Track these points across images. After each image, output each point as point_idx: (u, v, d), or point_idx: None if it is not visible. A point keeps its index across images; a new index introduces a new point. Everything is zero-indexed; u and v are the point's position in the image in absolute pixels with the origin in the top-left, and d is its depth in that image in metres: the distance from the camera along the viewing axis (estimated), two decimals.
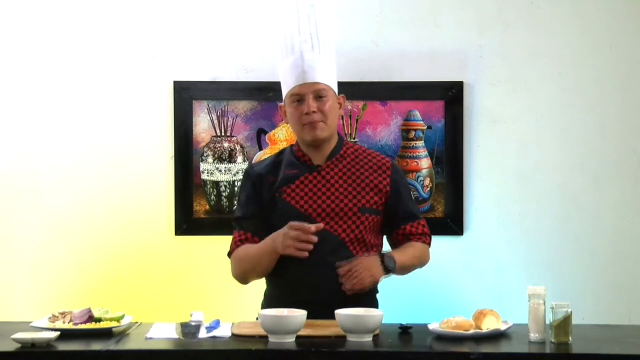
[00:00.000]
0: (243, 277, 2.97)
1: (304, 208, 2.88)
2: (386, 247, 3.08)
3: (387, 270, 2.88)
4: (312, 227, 2.80)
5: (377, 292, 3.01)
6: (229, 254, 2.99)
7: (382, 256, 2.88)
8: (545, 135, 3.97)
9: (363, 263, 2.83)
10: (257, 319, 2.82)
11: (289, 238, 2.80)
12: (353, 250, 2.90)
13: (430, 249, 3.93)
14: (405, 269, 2.98)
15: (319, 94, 2.90)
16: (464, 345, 2.51)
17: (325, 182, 2.93)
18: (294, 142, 3.03)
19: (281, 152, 3.06)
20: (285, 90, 2.96)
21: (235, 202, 3.01)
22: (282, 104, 3.00)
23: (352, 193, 2.92)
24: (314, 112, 2.88)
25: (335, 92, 2.96)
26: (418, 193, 3.94)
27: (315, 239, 2.80)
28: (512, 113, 3.97)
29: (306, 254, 2.80)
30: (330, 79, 2.95)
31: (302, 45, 2.91)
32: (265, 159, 3.13)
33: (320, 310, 2.69)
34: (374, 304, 2.97)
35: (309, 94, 2.89)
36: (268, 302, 2.97)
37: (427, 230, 3.08)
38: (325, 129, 2.91)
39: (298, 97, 2.91)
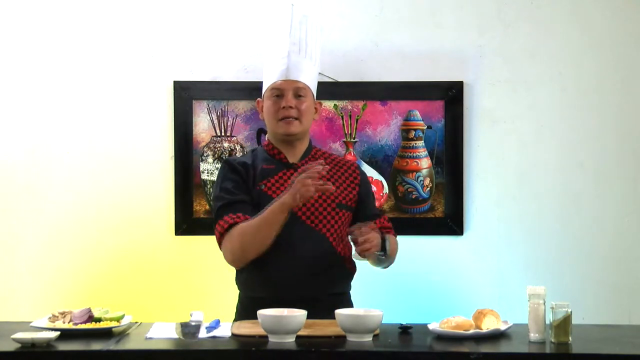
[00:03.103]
0: (241, 252, 2.88)
1: None
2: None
3: (383, 251, 2.92)
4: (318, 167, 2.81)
5: (350, 289, 3.07)
6: (221, 236, 2.91)
7: (383, 239, 2.92)
8: (545, 135, 3.97)
9: (374, 233, 2.88)
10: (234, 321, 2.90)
11: (302, 181, 2.78)
12: (335, 245, 2.96)
13: (430, 249, 3.96)
14: (388, 261, 3.02)
15: (298, 92, 3.00)
16: (464, 345, 2.51)
17: None
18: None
19: (253, 150, 3.14)
20: (266, 85, 3.05)
21: (213, 193, 2.97)
22: (260, 99, 3.09)
23: (329, 190, 2.95)
24: (290, 107, 2.96)
25: (314, 96, 3.06)
26: (418, 193, 3.94)
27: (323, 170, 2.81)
28: (512, 113, 3.97)
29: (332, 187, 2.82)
30: (311, 82, 3.05)
31: (290, 47, 3.03)
32: (239, 156, 3.26)
33: (305, 307, 2.66)
34: (348, 302, 3.03)
35: (289, 90, 2.99)
36: (247, 304, 2.96)
37: (391, 224, 3.16)
38: (299, 127, 2.99)
39: (278, 91, 3.00)
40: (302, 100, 2.99)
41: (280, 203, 2.82)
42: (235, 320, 2.96)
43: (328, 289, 2.94)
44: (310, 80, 3.05)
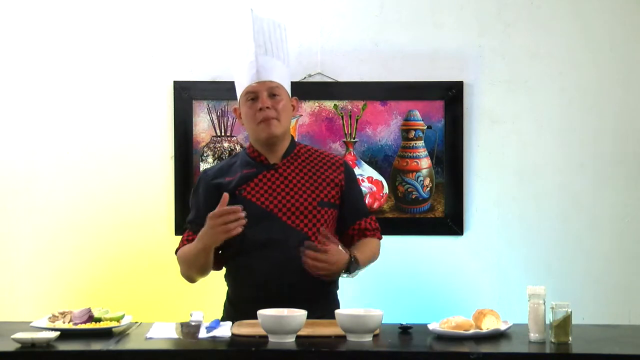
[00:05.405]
0: (187, 275, 3.01)
1: (265, 204, 2.92)
2: None
3: (347, 272, 2.90)
4: (236, 207, 2.76)
5: (337, 288, 3.05)
6: (176, 252, 3.03)
7: (350, 259, 2.87)
8: (545, 135, 3.97)
9: (332, 258, 2.82)
10: (221, 318, 2.89)
11: (214, 227, 2.77)
12: (318, 244, 2.92)
13: (430, 249, 3.96)
14: (361, 270, 2.99)
15: (272, 92, 2.96)
16: (464, 345, 2.51)
17: (283, 179, 2.97)
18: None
19: (234, 155, 3.12)
20: (239, 91, 3.01)
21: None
22: (237, 106, 3.04)
23: (310, 189, 2.96)
24: (267, 108, 2.93)
25: (288, 94, 3.02)
26: (418, 193, 3.94)
27: (241, 212, 2.75)
28: (512, 113, 3.97)
29: (240, 229, 2.76)
30: (283, 80, 3.01)
31: (257, 50, 2.99)
32: (218, 163, 3.24)
33: (288, 306, 2.67)
34: (334, 301, 3.01)
35: (263, 91, 2.95)
36: (234, 302, 3.00)
37: (378, 226, 3.12)
38: (279, 127, 2.96)
39: (253, 95, 2.96)
40: (278, 99, 2.95)
41: (201, 248, 2.84)
42: (223, 317, 2.97)
43: (311, 288, 2.91)
44: (283, 79, 3.00)
